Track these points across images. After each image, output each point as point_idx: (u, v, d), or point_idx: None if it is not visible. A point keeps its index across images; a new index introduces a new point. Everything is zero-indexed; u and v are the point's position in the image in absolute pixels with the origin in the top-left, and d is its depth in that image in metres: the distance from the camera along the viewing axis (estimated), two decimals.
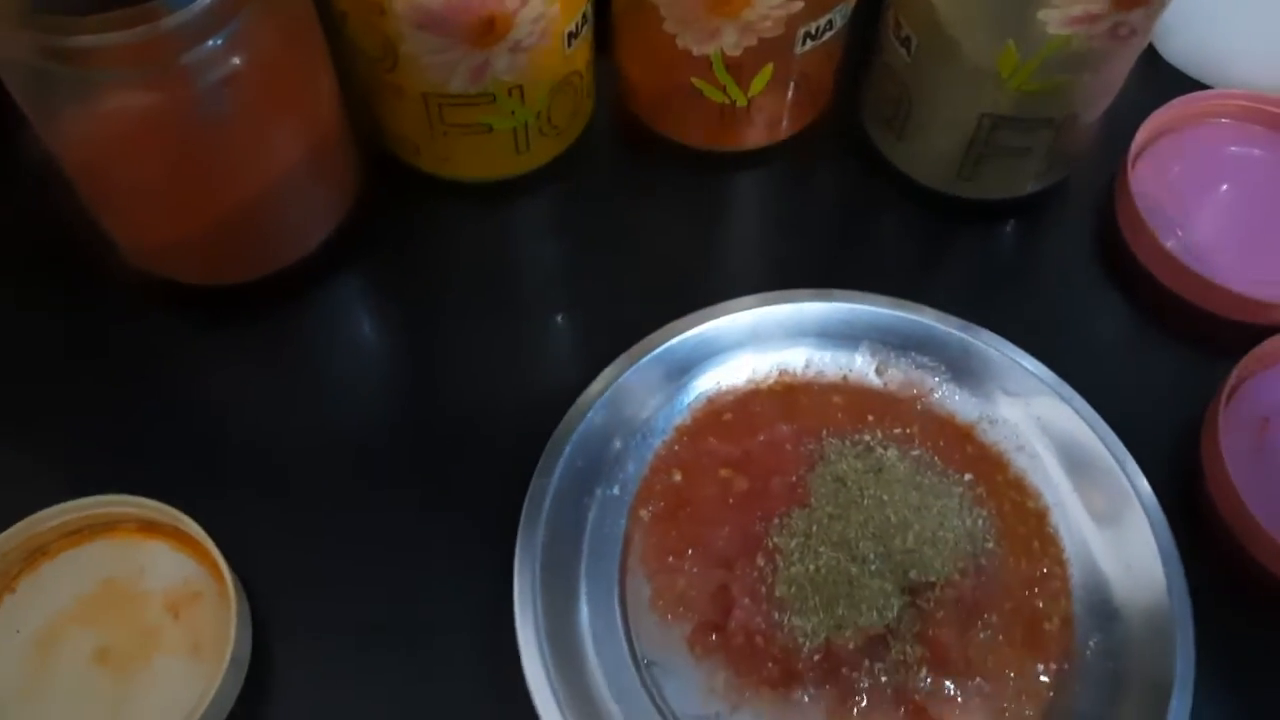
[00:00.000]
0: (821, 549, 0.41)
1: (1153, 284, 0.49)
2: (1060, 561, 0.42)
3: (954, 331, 0.46)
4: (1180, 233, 0.50)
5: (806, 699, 0.39)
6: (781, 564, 0.41)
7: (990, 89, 0.45)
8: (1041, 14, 0.41)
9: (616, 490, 0.44)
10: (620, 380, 0.45)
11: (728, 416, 0.46)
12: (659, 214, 0.53)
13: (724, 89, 0.48)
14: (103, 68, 0.37)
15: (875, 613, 0.40)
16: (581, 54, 0.48)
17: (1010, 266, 0.51)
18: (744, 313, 0.47)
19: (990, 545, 0.42)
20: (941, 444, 0.44)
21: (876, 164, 0.52)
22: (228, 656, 0.38)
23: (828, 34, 0.47)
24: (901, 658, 0.40)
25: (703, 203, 0.53)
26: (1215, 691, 0.39)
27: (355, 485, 0.45)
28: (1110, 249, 0.51)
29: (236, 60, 0.39)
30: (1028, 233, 0.52)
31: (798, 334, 0.47)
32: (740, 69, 0.47)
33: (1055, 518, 0.43)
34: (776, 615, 0.40)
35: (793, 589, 0.40)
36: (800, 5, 0.45)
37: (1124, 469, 0.43)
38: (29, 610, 0.41)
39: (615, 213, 0.53)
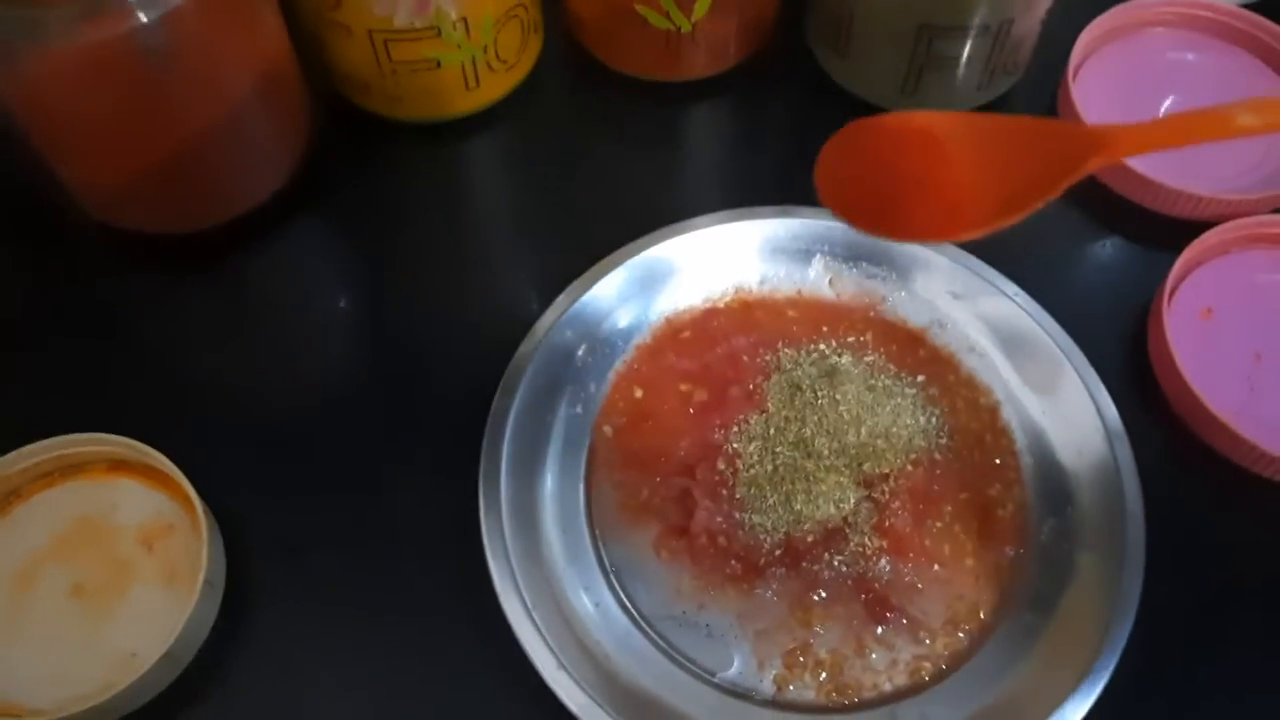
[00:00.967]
0: (779, 449, 0.42)
1: (1096, 185, 0.50)
2: (1012, 452, 0.43)
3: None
4: None
5: (770, 594, 0.40)
6: (741, 466, 0.42)
7: None
8: None
9: (579, 409, 0.45)
10: (580, 301, 0.45)
11: (686, 334, 0.46)
12: (613, 146, 0.54)
13: (667, 14, 0.49)
14: (46, 6, 0.38)
15: (832, 506, 0.41)
16: None
17: None
18: (698, 232, 0.47)
19: (944, 441, 0.43)
20: (894, 349, 0.46)
21: (824, 85, 0.53)
22: (201, 578, 0.39)
23: None
24: (860, 549, 0.41)
25: (655, 133, 0.54)
26: (1165, 567, 0.40)
27: (321, 418, 0.45)
28: None
29: None
30: None
31: (752, 251, 0.48)
32: None
33: (1007, 412, 0.44)
34: (737, 515, 0.41)
35: (752, 490, 0.41)
36: None
37: (1071, 361, 0.44)
38: (4, 551, 0.41)
39: (569, 146, 0.54)
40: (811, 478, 0.41)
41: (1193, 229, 0.47)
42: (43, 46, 0.40)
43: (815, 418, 0.42)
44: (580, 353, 0.45)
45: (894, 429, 0.42)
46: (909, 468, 0.42)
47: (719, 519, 0.41)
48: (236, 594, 0.41)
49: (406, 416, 0.45)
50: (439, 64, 0.48)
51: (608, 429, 0.44)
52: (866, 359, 0.45)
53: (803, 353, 0.45)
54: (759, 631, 0.40)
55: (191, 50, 0.42)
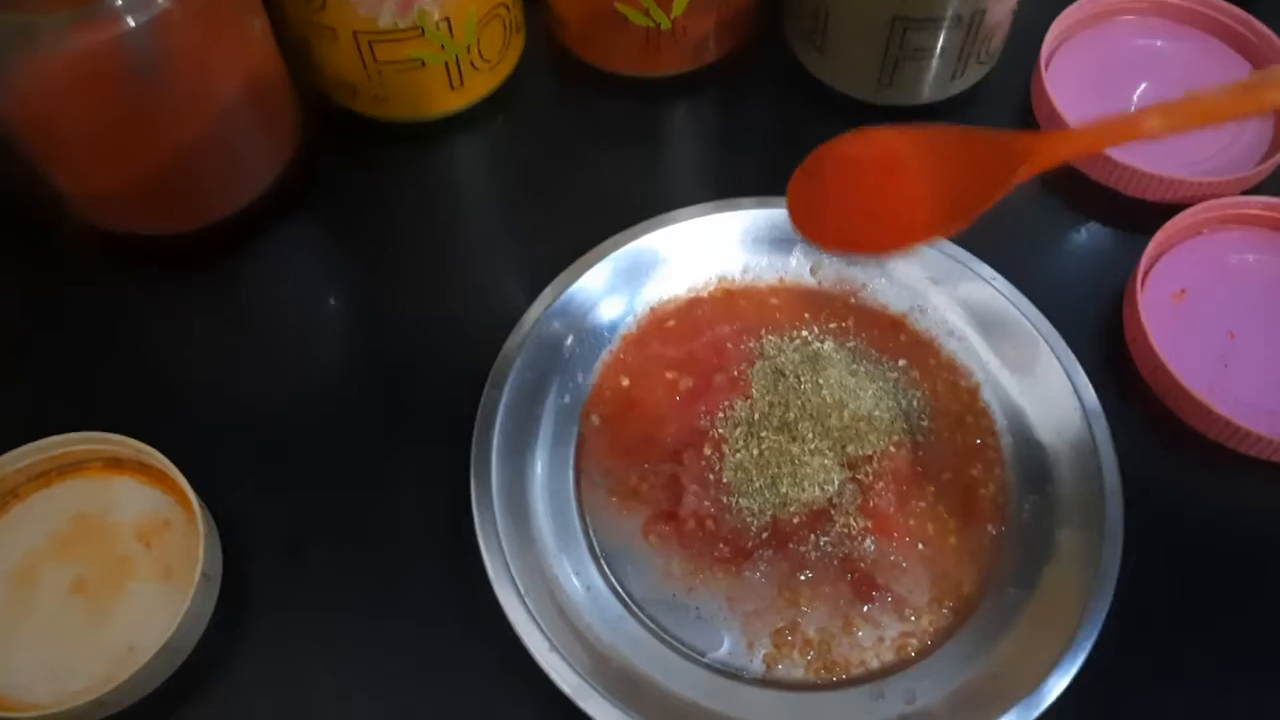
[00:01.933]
0: (764, 434, 0.42)
1: (1070, 171, 0.51)
2: (993, 433, 0.44)
3: None
4: None
5: (758, 575, 0.41)
6: (727, 451, 0.43)
7: None
8: None
9: (567, 399, 0.45)
10: (566, 293, 0.46)
11: (671, 323, 0.47)
12: (596, 142, 0.55)
13: (647, 11, 0.50)
14: (36, 12, 0.39)
15: (817, 488, 0.41)
16: None
17: None
18: (681, 224, 0.48)
19: (926, 423, 0.44)
20: (875, 334, 0.46)
21: (802, 79, 0.54)
22: (198, 571, 0.40)
23: None
24: (846, 530, 0.41)
25: (638, 128, 0.55)
26: (1143, 542, 0.41)
27: (313, 415, 0.46)
28: None
29: (163, 1, 0.40)
30: None
31: (734, 242, 0.48)
32: None
33: (986, 393, 0.45)
34: (725, 499, 0.42)
35: (738, 473, 0.42)
36: None
37: (1048, 342, 0.45)
38: (3, 550, 0.42)
39: (553, 143, 0.55)
40: (796, 461, 0.42)
41: (1165, 211, 0.48)
42: (32, 52, 0.41)
43: (799, 402, 0.43)
44: (567, 344, 0.46)
45: (876, 412, 0.43)
46: (892, 449, 0.42)
47: (706, 503, 0.42)
48: (233, 588, 0.42)
49: (398, 412, 0.46)
50: (423, 64, 0.49)
51: (595, 418, 0.45)
52: (848, 344, 0.46)
53: (786, 339, 0.46)
54: (748, 612, 0.41)
55: (179, 54, 0.42)
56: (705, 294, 0.48)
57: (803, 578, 0.41)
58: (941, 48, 0.50)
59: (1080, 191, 0.51)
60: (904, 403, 0.44)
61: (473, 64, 0.51)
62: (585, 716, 0.37)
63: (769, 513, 0.41)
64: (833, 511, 0.42)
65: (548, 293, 0.46)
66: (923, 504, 0.42)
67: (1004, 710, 0.37)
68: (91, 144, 0.45)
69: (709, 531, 0.42)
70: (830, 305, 0.47)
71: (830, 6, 0.50)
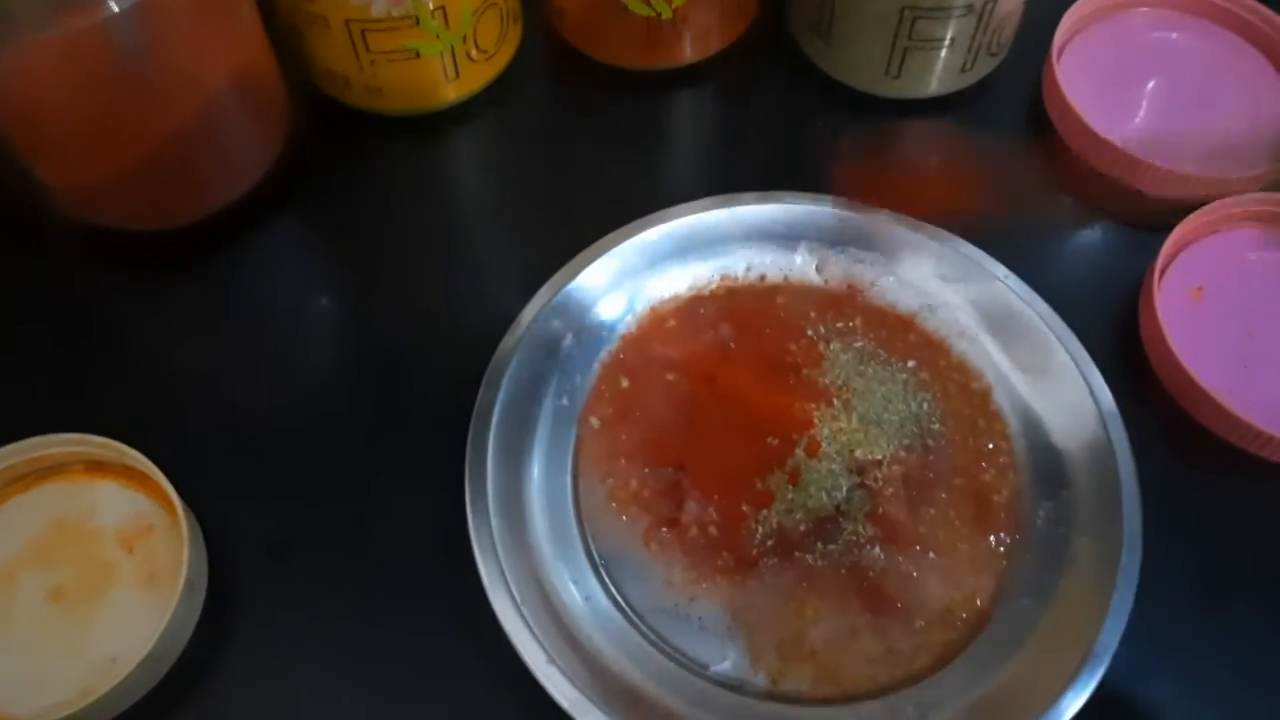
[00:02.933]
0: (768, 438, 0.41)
1: (1083, 167, 0.50)
2: (1005, 436, 0.43)
3: (891, 225, 0.46)
4: (1107, 117, 0.50)
5: (763, 585, 0.40)
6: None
7: None
8: None
9: (565, 400, 0.44)
10: (563, 291, 0.45)
11: (672, 323, 0.46)
12: (595, 135, 0.53)
13: (648, 1, 0.48)
14: None
15: (824, 494, 0.40)
16: None
17: (945, 159, 0.52)
18: (683, 219, 0.47)
19: (937, 427, 0.43)
20: (884, 334, 0.45)
21: (807, 71, 0.53)
22: (182, 578, 0.38)
23: None
24: (854, 537, 0.40)
25: (639, 121, 0.53)
26: (1163, 548, 0.39)
27: (303, 416, 0.45)
28: (1041, 137, 0.51)
29: None
30: (960, 127, 0.52)
31: (738, 238, 0.47)
32: None
33: (998, 396, 0.44)
34: (728, 505, 0.40)
35: (742, 479, 0.40)
36: None
37: (1063, 342, 0.43)
38: None
39: (551, 136, 0.53)
40: (803, 466, 0.40)
41: (1181, 209, 0.46)
42: (13, 37, 0.39)
43: None
44: (565, 344, 0.44)
45: (885, 415, 0.42)
46: (902, 454, 0.41)
47: (710, 509, 0.40)
48: (219, 595, 0.40)
49: (390, 413, 0.45)
50: (418, 54, 0.48)
51: (594, 420, 0.44)
52: (855, 344, 0.44)
53: (790, 340, 0.44)
54: (752, 623, 0.39)
55: (165, 41, 0.41)
56: (707, 292, 0.47)
57: (809, 588, 0.39)
58: (951, 38, 0.48)
59: (1095, 188, 0.49)
60: (913, 405, 0.43)
61: (469, 54, 0.49)
62: None
63: (774, 520, 0.40)
64: (840, 519, 0.40)
65: (545, 290, 0.45)
66: (933, 511, 0.41)
67: None
68: (73, 135, 0.44)
69: (711, 539, 0.40)
70: (837, 304, 0.46)
71: None
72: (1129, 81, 0.52)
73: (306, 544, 0.42)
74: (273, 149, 0.49)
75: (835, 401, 0.42)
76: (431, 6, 0.46)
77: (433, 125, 0.52)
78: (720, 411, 0.42)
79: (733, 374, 0.43)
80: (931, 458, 0.42)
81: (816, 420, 0.41)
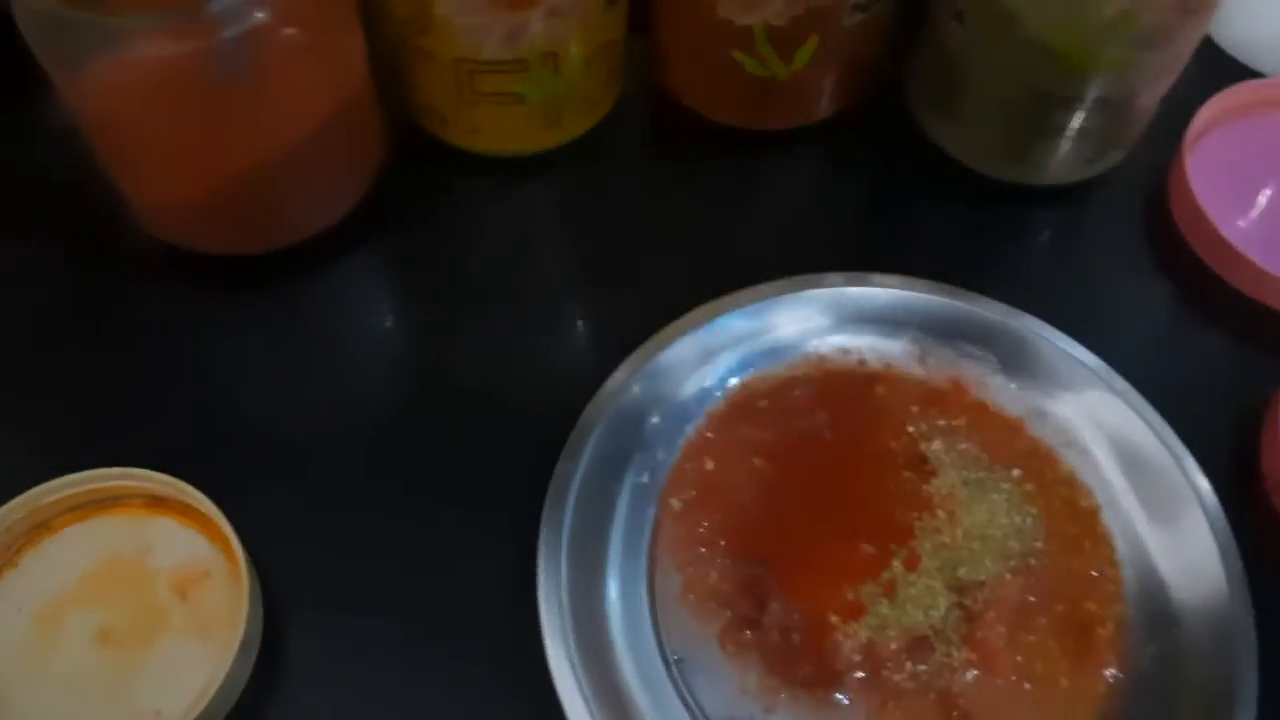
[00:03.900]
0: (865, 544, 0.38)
1: (1208, 275, 0.47)
2: (1113, 563, 0.40)
3: (1003, 320, 0.44)
4: (1236, 223, 0.48)
5: (845, 701, 0.37)
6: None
7: (1047, 66, 0.43)
8: None
9: (646, 478, 0.42)
10: (650, 363, 0.43)
11: (763, 403, 0.43)
12: (693, 193, 0.51)
13: (765, 62, 0.46)
14: (126, 14, 0.36)
15: (921, 612, 0.38)
16: (618, 22, 0.46)
17: (1061, 254, 0.49)
18: (782, 296, 0.45)
19: (1039, 545, 0.40)
20: (989, 438, 0.42)
21: (921, 146, 0.50)
22: (238, 639, 0.36)
23: (878, 6, 0.45)
24: (947, 660, 0.38)
25: (739, 183, 0.51)
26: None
27: (373, 464, 0.43)
28: (1164, 238, 0.49)
29: (262, 14, 0.38)
30: (1079, 220, 0.50)
31: (838, 319, 0.45)
32: (784, 40, 0.45)
33: (1107, 517, 0.41)
34: (815, 612, 0.38)
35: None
36: None
37: (1181, 466, 0.41)
38: (31, 587, 0.39)
39: (647, 191, 0.51)
40: (900, 579, 0.38)
41: None
42: (115, 57, 0.38)
43: None
44: (649, 417, 0.42)
45: (989, 530, 0.39)
46: (1006, 575, 0.38)
47: (795, 614, 0.38)
48: (272, 652, 0.39)
49: (463, 470, 0.43)
50: (522, 98, 0.46)
51: (675, 502, 0.41)
52: (959, 446, 0.42)
53: (890, 435, 0.42)
54: None
55: (269, 70, 0.40)
56: (802, 374, 0.44)
57: (895, 709, 0.37)
58: (1083, 128, 0.46)
59: (1219, 298, 0.47)
60: (1017, 519, 0.40)
61: (572, 102, 0.48)
62: None
63: (864, 634, 0.37)
64: (933, 639, 0.38)
65: (632, 359, 0.43)
66: (1032, 638, 0.38)
67: None
68: (165, 154, 0.42)
69: (794, 647, 0.38)
70: (941, 400, 0.43)
71: (965, 73, 0.46)
72: (1264, 186, 0.49)
73: (367, 602, 0.40)
74: (362, 182, 0.47)
75: (939, 512, 0.39)
76: (542, 52, 0.44)
77: (526, 169, 0.50)
78: (813, 507, 0.40)
79: (828, 467, 0.41)
80: (1033, 580, 0.39)
81: (918, 532, 0.39)
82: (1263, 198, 0.49)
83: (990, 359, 0.44)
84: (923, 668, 0.37)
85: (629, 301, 0.46)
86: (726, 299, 0.44)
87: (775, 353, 0.44)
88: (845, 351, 0.45)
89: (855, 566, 0.39)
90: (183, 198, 0.44)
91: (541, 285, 0.48)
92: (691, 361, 0.44)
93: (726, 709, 0.37)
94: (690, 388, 0.43)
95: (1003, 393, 0.43)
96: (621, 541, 0.40)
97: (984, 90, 0.46)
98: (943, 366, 0.44)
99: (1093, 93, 0.44)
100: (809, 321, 0.45)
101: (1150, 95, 0.45)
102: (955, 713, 0.37)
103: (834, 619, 0.38)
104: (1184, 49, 0.44)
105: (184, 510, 0.40)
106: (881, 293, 0.45)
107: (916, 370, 0.44)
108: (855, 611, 0.38)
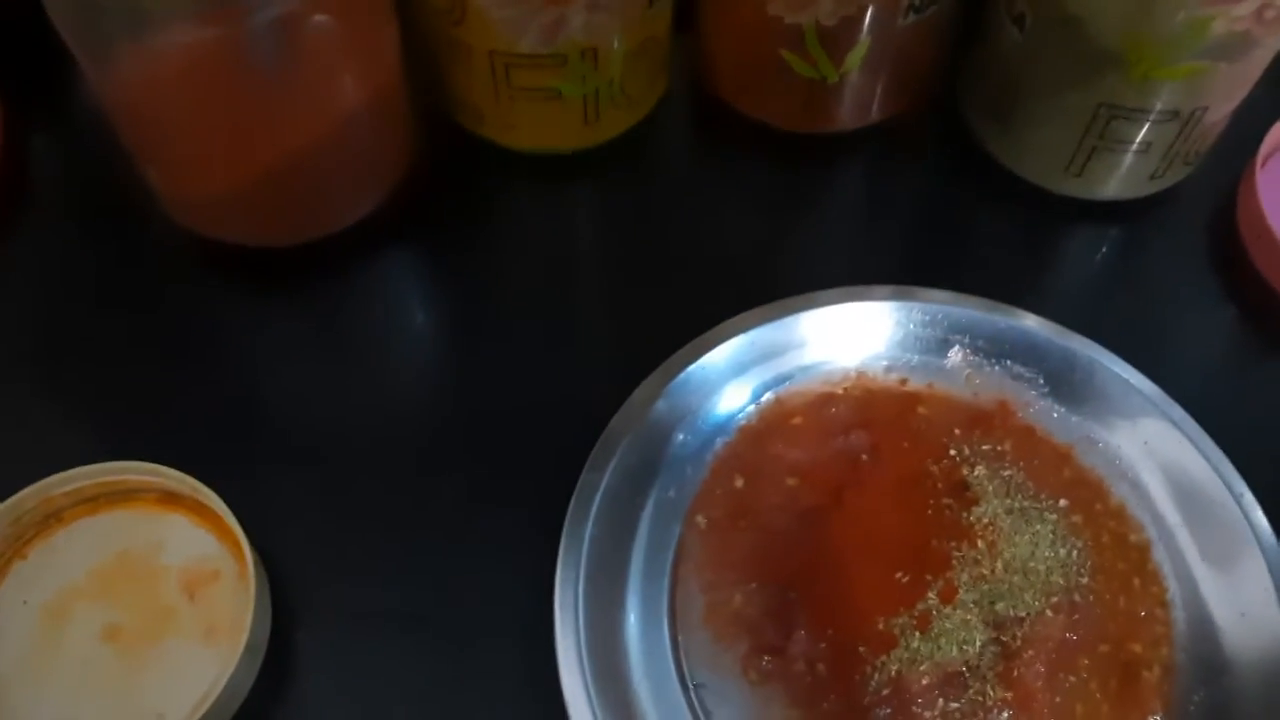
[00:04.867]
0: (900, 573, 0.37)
1: (1276, 301, 0.45)
2: (1163, 603, 0.38)
3: (1055, 340, 0.42)
4: None
5: None
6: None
7: (1112, 76, 0.41)
8: None
9: (672, 493, 0.40)
10: (682, 374, 0.41)
11: (798, 420, 0.42)
12: (734, 198, 0.49)
13: (814, 63, 0.45)
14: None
15: (955, 647, 0.36)
16: (662, 17, 0.45)
17: (1119, 274, 0.47)
18: (822, 309, 0.43)
19: (1085, 580, 0.38)
20: (1036, 465, 0.40)
21: (975, 155, 0.48)
22: (243, 642, 0.35)
23: (933, 7, 0.43)
24: (980, 698, 0.36)
25: (782, 188, 0.49)
26: None
27: (392, 468, 0.42)
28: (1230, 261, 0.46)
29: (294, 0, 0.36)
30: (1140, 238, 0.47)
31: (880, 334, 0.43)
32: (834, 41, 0.43)
33: (1159, 553, 0.39)
34: (843, 642, 0.36)
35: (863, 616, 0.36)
36: None
37: (1240, 504, 0.38)
38: (39, 579, 0.38)
39: (686, 195, 0.50)
40: (935, 612, 0.36)
41: None
42: (145, 44, 0.37)
43: None
44: (679, 431, 0.41)
45: (1031, 563, 0.37)
46: (1048, 612, 0.36)
47: (821, 644, 0.36)
48: (278, 657, 0.37)
49: (484, 478, 0.41)
50: (560, 94, 0.44)
51: (701, 520, 0.40)
52: (1004, 473, 0.40)
53: (930, 458, 0.40)
54: None
55: (302, 58, 0.38)
56: (840, 390, 0.42)
57: None
58: (1147, 142, 0.43)
59: None
60: (1062, 552, 0.38)
61: (612, 99, 0.46)
62: None
63: (894, 667, 0.35)
64: (967, 675, 0.36)
65: (663, 369, 0.41)
66: (1073, 679, 0.36)
67: None
68: (194, 144, 0.41)
69: (819, 677, 0.36)
70: (986, 422, 0.41)
71: (1024, 81, 0.44)
72: None
73: (378, 613, 0.39)
74: (393, 175, 0.46)
75: (979, 542, 0.37)
76: (582, 47, 0.42)
77: (563, 168, 0.49)
78: (845, 532, 0.38)
79: (863, 491, 0.39)
80: (1077, 617, 0.37)
81: (956, 562, 0.37)
82: None
83: (1040, 381, 0.42)
84: (955, 705, 0.36)
85: (665, 308, 0.45)
86: (764, 309, 0.43)
87: (813, 367, 0.43)
88: (887, 368, 0.43)
89: (887, 596, 0.37)
90: (211, 187, 0.43)
91: (575, 288, 0.47)
92: (725, 374, 0.42)
93: None
94: (723, 401, 0.42)
95: (1051, 417, 0.41)
96: (644, 559, 0.39)
97: (1043, 99, 0.44)
98: (989, 387, 0.42)
99: (1159, 104, 0.41)
100: (850, 336, 0.43)
101: (1220, 109, 0.43)
102: None
103: (863, 650, 0.36)
104: (1258, 62, 0.41)
105: (196, 508, 0.39)
106: (927, 307, 0.43)
107: (961, 390, 0.42)
108: (886, 643, 0.36)
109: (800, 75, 0.45)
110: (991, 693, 0.36)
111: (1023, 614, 0.36)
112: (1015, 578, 0.37)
